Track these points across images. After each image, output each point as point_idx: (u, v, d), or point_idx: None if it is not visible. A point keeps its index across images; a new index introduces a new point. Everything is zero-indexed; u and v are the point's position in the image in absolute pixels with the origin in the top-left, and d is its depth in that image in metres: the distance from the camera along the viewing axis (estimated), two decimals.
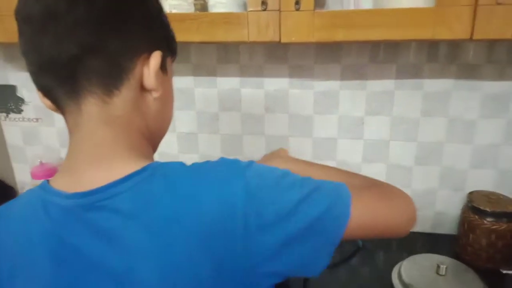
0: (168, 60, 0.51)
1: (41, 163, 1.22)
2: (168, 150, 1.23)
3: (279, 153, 0.76)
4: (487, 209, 0.93)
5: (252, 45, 1.08)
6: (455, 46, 0.99)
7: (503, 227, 0.92)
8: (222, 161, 0.45)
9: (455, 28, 0.73)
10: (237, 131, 1.18)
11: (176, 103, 1.05)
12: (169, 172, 0.43)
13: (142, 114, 0.47)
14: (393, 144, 1.10)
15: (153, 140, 0.51)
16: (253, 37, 0.81)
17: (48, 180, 0.47)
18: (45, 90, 0.45)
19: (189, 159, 1.04)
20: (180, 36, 0.56)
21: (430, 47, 1.00)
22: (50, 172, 1.22)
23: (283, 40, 0.79)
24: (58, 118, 1.25)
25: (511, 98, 0.99)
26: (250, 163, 0.45)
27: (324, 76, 1.07)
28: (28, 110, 1.28)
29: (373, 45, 1.02)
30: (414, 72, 1.02)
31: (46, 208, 0.43)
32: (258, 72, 1.11)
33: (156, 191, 0.41)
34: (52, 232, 0.42)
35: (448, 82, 1.01)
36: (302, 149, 1.16)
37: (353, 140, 1.12)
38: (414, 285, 0.85)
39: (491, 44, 0.97)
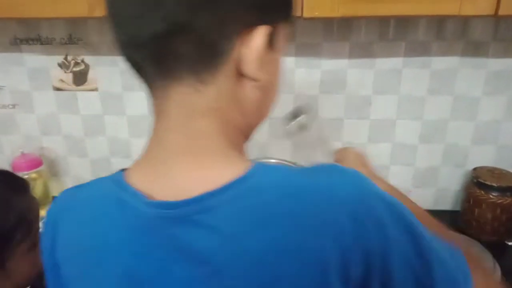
0: (279, 32, 0.39)
1: (23, 154, 1.11)
2: None
3: (362, 160, 0.65)
4: (494, 184, 0.96)
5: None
6: (462, 23, 0.98)
7: (507, 201, 0.96)
8: (347, 175, 0.35)
9: (480, 4, 0.72)
10: None
11: None
12: (282, 181, 0.34)
13: (239, 104, 0.38)
14: (399, 123, 1.09)
15: (247, 132, 0.42)
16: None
17: (122, 172, 0.39)
18: (131, 64, 0.38)
19: None
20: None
21: (439, 24, 0.99)
22: (34, 163, 1.11)
23: (306, 14, 0.75)
24: (38, 103, 1.14)
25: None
26: (378, 191, 0.35)
27: (332, 54, 1.04)
28: (4, 96, 1.15)
29: (382, 22, 1.00)
30: (422, 50, 1.01)
31: (124, 210, 0.36)
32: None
33: (267, 208, 0.32)
34: (129, 243, 0.35)
35: (454, 60, 1.02)
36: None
37: (360, 120, 1.10)
38: None
39: (497, 21, 0.97)
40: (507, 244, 0.93)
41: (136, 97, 1.12)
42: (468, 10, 0.72)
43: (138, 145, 1.16)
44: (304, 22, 1.01)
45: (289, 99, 1.10)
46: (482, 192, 0.98)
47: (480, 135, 1.08)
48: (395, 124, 1.10)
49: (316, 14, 0.75)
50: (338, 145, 1.12)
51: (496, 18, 0.96)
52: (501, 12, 0.70)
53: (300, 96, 1.09)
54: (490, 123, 1.07)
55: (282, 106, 1.03)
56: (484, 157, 1.10)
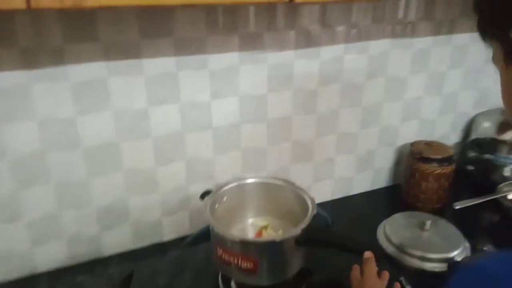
0: None
1: None
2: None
3: None
4: (436, 156, 1.03)
5: (191, 12, 0.80)
6: (395, 5, 0.99)
7: (448, 170, 1.04)
8: None
9: None
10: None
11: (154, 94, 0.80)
12: None
13: None
14: (341, 112, 1.06)
15: None
16: None
17: None
18: None
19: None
20: None
21: (375, 7, 0.97)
22: None
23: None
24: None
25: (431, 53, 1.09)
26: None
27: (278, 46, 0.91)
28: None
29: (323, 8, 0.91)
30: (358, 35, 0.98)
31: None
32: (200, 47, 0.84)
33: None
34: None
35: (386, 42, 1.02)
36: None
37: (306, 116, 1.01)
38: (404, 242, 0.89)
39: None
40: (454, 208, 1.02)
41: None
42: None
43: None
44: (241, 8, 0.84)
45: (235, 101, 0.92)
46: (426, 166, 1.04)
47: (406, 112, 1.15)
48: (338, 114, 1.05)
49: None
50: (287, 145, 1.02)
51: None
52: None
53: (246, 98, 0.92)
54: (414, 100, 1.14)
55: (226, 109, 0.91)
56: (409, 132, 1.18)
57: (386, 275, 0.65)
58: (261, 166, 1.01)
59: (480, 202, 1.01)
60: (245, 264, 0.64)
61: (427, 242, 0.89)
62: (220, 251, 0.66)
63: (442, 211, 1.07)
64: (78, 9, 0.51)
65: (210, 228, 0.69)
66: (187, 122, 0.89)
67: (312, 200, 0.71)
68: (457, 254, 0.85)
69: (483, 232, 1.01)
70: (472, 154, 1.19)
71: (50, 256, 0.87)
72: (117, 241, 0.93)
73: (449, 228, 0.95)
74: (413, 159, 1.07)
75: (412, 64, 1.08)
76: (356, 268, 0.67)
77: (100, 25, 0.74)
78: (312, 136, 1.04)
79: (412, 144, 1.10)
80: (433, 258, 0.84)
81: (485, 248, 0.92)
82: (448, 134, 1.26)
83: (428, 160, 1.04)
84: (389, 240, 0.91)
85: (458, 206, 1.02)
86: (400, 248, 0.88)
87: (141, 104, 0.84)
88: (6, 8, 0.47)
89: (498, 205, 1.04)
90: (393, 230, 0.93)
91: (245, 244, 0.63)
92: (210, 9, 0.81)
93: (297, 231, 0.63)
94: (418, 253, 0.85)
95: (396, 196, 1.16)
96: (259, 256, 0.63)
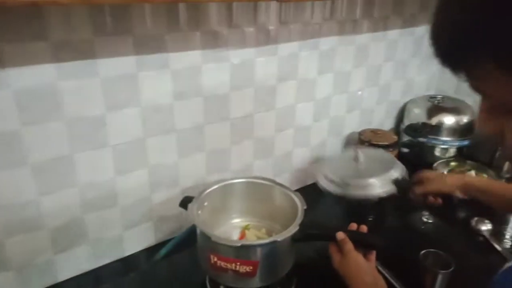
0: None
1: None
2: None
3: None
4: (385, 143, 1.12)
5: (151, 7, 0.74)
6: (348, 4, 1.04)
7: (394, 154, 1.14)
8: None
9: None
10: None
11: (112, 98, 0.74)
12: None
13: None
14: (299, 107, 1.08)
15: None
16: None
17: None
18: None
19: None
20: None
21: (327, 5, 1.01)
22: None
23: None
24: None
25: (370, 48, 1.18)
26: None
27: (239, 43, 0.89)
28: None
29: (282, 5, 0.92)
30: (314, 32, 1.02)
31: None
32: (161, 45, 0.78)
33: None
34: None
35: (334, 39, 1.07)
36: None
37: (267, 112, 1.02)
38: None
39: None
40: None
41: None
42: None
43: None
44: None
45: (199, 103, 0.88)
46: None
47: (350, 104, 1.22)
48: (295, 109, 1.08)
49: None
50: (250, 143, 1.01)
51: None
52: None
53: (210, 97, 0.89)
54: (355, 92, 1.22)
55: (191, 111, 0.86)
56: (352, 122, 1.26)
57: (372, 255, 0.69)
58: (225, 167, 0.99)
59: None
60: (244, 268, 0.62)
61: (365, 171, 0.91)
62: (214, 259, 0.63)
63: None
64: (53, 4, 0.43)
65: (200, 236, 0.65)
66: (148, 126, 0.82)
67: (298, 194, 0.71)
68: (395, 173, 0.88)
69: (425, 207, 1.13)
70: (406, 138, 1.32)
71: None
72: (74, 263, 0.83)
73: (380, 153, 1.02)
74: (363, 146, 1.15)
75: (355, 59, 1.15)
76: (333, 244, 0.70)
77: (47, 21, 0.64)
78: (272, 131, 1.05)
79: (360, 133, 1.18)
80: (375, 183, 0.86)
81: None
82: (383, 121, 1.37)
83: (376, 146, 1.12)
84: (331, 181, 0.91)
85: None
86: (343, 184, 0.88)
87: (97, 110, 0.75)
88: None
89: None
90: (331, 170, 0.93)
91: (246, 249, 0.62)
92: (171, 5, 0.76)
93: (295, 227, 0.63)
94: (361, 182, 0.86)
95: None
96: (259, 258, 0.62)
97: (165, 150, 0.87)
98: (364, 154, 0.95)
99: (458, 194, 0.84)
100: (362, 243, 0.68)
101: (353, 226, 0.72)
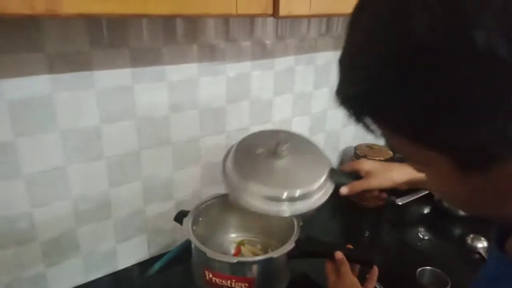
0: None
1: None
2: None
3: None
4: (381, 158, 1.12)
5: (148, 20, 0.74)
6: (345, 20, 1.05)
7: None
8: None
9: None
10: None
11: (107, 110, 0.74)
12: None
13: None
14: (294, 120, 1.09)
15: None
16: (242, 9, 0.56)
17: None
18: None
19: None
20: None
21: (325, 22, 1.02)
22: None
23: (282, 13, 0.59)
24: None
25: None
26: None
27: (236, 57, 0.89)
28: None
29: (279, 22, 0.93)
30: (310, 47, 1.03)
31: None
32: (157, 58, 0.78)
33: None
34: None
35: (329, 55, 1.08)
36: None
37: (263, 125, 1.02)
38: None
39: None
40: (398, 204, 1.12)
41: None
42: None
43: None
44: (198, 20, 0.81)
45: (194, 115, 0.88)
46: None
47: (346, 118, 1.22)
48: (292, 123, 1.08)
49: (292, 11, 0.61)
50: None
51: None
52: None
53: (205, 110, 0.89)
54: None
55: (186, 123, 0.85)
56: (348, 136, 1.27)
57: (372, 282, 0.68)
58: (220, 180, 0.98)
59: (418, 197, 1.12)
60: (240, 285, 0.61)
61: (293, 174, 0.67)
62: (209, 275, 0.62)
63: (386, 207, 1.17)
64: (52, 17, 0.43)
65: (195, 251, 0.64)
66: (143, 138, 0.82)
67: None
68: (317, 188, 0.66)
69: (422, 223, 1.13)
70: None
71: None
72: (66, 276, 0.81)
73: (311, 150, 0.76)
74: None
75: None
76: (329, 262, 0.68)
77: (44, 33, 0.65)
78: None
79: (356, 148, 1.18)
80: (279, 196, 0.63)
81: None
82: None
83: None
84: (228, 174, 0.69)
85: (400, 202, 1.12)
86: (240, 186, 0.65)
87: (92, 122, 0.75)
88: None
89: (431, 197, 1.18)
90: (238, 159, 0.69)
91: (241, 265, 0.61)
92: (168, 19, 0.76)
93: (291, 244, 0.63)
94: (264, 190, 0.63)
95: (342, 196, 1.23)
96: (255, 275, 0.61)
97: (160, 163, 0.87)
98: (292, 147, 0.71)
99: (402, 187, 0.77)
100: (356, 261, 0.67)
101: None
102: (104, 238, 0.85)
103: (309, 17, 0.62)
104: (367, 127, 0.33)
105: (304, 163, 0.69)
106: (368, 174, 0.73)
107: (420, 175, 0.76)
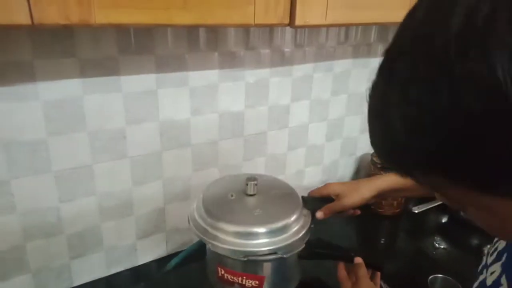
0: None
1: None
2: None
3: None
4: None
5: (173, 30, 0.79)
6: (363, 29, 1.07)
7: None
8: None
9: None
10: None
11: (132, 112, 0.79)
12: None
13: None
14: (311, 126, 1.11)
15: None
16: (260, 19, 0.59)
17: None
18: None
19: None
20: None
21: (341, 31, 1.04)
22: None
23: (298, 22, 0.62)
24: None
25: None
26: None
27: (255, 64, 0.93)
28: None
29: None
30: (328, 54, 1.05)
31: None
32: (181, 65, 0.82)
33: None
34: None
35: (348, 62, 1.10)
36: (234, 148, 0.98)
37: (280, 130, 1.05)
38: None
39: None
40: (414, 212, 1.12)
41: None
42: None
43: None
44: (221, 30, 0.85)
45: (214, 118, 0.92)
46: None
47: (364, 125, 1.24)
48: (308, 128, 1.10)
49: (307, 21, 0.63)
50: (262, 160, 1.04)
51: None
52: None
53: (224, 113, 0.93)
54: None
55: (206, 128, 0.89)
56: (366, 144, 1.27)
57: (377, 278, 0.69)
58: None
59: (434, 206, 1.12)
60: (250, 283, 0.63)
61: (246, 211, 0.67)
62: (221, 271, 0.65)
63: (402, 215, 1.17)
64: (85, 26, 0.48)
65: (209, 249, 0.67)
66: (165, 140, 0.86)
67: (308, 212, 0.73)
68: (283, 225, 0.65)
69: (438, 231, 1.12)
70: None
71: None
72: (89, 269, 0.86)
73: (284, 191, 0.76)
74: (375, 168, 1.16)
75: (369, 81, 1.17)
76: (342, 268, 0.69)
77: (77, 40, 0.70)
78: (284, 149, 1.07)
79: (372, 154, 1.19)
80: (251, 232, 0.62)
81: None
82: None
83: (388, 169, 1.12)
84: (200, 215, 0.68)
85: (416, 210, 1.12)
86: (212, 224, 0.64)
87: (118, 124, 0.79)
88: (8, 23, 0.43)
89: (448, 206, 1.17)
90: (210, 197, 0.71)
91: (252, 263, 0.63)
92: (191, 28, 0.80)
93: (301, 245, 0.65)
94: (230, 227, 0.62)
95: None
96: (265, 273, 0.64)
97: (180, 164, 0.90)
98: (263, 185, 0.75)
99: (371, 201, 0.80)
100: (367, 265, 0.69)
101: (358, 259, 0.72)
102: (125, 234, 0.89)
103: (325, 26, 0.64)
104: (416, 179, 0.31)
105: (276, 198, 0.73)
106: (338, 196, 0.76)
107: (385, 183, 0.77)
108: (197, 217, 0.68)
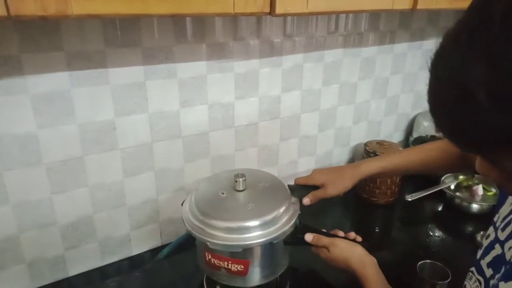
0: None
1: None
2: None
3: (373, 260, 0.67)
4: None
5: (159, 21, 0.79)
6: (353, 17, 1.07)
7: None
8: None
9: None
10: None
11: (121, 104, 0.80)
12: None
13: None
14: (303, 116, 1.11)
15: None
16: (240, 8, 0.59)
17: None
18: None
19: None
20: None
21: (330, 20, 1.04)
22: None
23: (278, 11, 0.63)
24: None
25: (377, 60, 1.20)
26: None
27: (244, 54, 0.93)
28: None
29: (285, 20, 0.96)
30: (319, 44, 1.05)
31: None
32: (168, 56, 0.83)
33: None
34: None
35: (339, 52, 1.10)
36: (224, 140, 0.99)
37: (272, 121, 1.05)
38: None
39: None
40: (407, 200, 1.12)
41: None
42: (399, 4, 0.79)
43: None
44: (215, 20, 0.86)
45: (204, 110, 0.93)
46: None
47: (357, 115, 1.24)
48: (300, 119, 1.11)
49: (289, 9, 0.64)
50: (253, 150, 1.05)
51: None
52: (419, 6, 0.80)
53: (213, 104, 0.93)
54: (363, 104, 1.23)
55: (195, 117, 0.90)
56: (359, 133, 1.28)
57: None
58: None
59: (428, 194, 1.12)
60: (236, 267, 0.65)
61: (239, 207, 0.68)
62: (208, 256, 0.66)
63: (396, 203, 1.18)
64: (62, 18, 0.49)
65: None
66: (155, 132, 0.87)
67: (296, 200, 0.74)
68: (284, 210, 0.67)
69: (432, 219, 1.12)
70: None
71: (10, 282, 0.79)
72: (84, 259, 0.88)
73: (272, 182, 0.77)
74: (368, 157, 1.16)
75: (361, 71, 1.17)
76: (321, 251, 0.70)
77: (63, 33, 0.71)
78: (277, 140, 1.08)
79: (366, 144, 1.19)
80: (246, 226, 0.64)
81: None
82: (392, 133, 1.38)
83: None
84: (193, 213, 0.69)
85: (409, 198, 1.12)
86: (206, 222, 0.66)
87: (107, 116, 0.81)
88: None
89: (442, 194, 1.17)
90: (201, 197, 0.71)
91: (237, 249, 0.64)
92: (177, 19, 0.81)
93: (289, 228, 0.66)
94: (225, 224, 0.64)
95: (352, 192, 1.24)
96: (250, 258, 0.65)
97: (171, 155, 0.92)
98: (251, 181, 0.76)
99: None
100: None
101: (340, 233, 0.73)
102: (119, 225, 0.91)
103: (306, 14, 0.64)
104: (494, 158, 0.31)
105: (265, 190, 0.74)
106: (323, 185, 0.79)
107: (364, 171, 0.77)
108: (191, 217, 0.69)
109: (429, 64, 0.31)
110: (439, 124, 0.32)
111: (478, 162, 0.37)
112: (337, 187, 0.79)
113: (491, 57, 0.26)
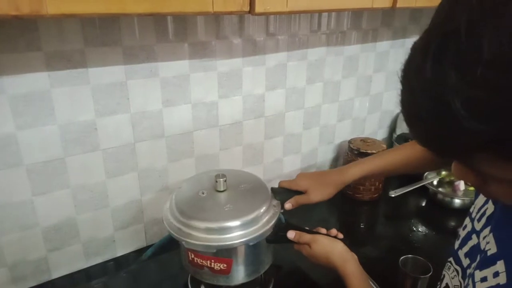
0: None
1: None
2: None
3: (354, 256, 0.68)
4: (374, 151, 1.14)
5: (139, 20, 0.79)
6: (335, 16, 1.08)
7: None
8: None
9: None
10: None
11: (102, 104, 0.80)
12: None
13: None
14: (287, 115, 1.12)
15: None
16: (219, 7, 0.59)
17: None
18: None
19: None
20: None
21: (313, 19, 1.05)
22: None
23: (258, 10, 0.63)
24: None
25: (360, 58, 1.21)
26: None
27: (227, 53, 0.93)
28: None
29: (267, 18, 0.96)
30: (302, 43, 1.05)
31: None
32: (150, 56, 0.83)
33: None
34: None
35: (322, 50, 1.11)
36: (209, 139, 0.99)
37: (256, 120, 1.05)
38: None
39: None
40: (391, 196, 1.13)
41: None
42: (379, 2, 0.79)
43: None
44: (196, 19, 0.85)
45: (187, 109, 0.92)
46: None
47: (341, 113, 1.25)
48: (285, 117, 1.11)
49: (268, 8, 0.64)
50: (239, 149, 1.05)
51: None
52: (399, 5, 0.81)
53: (197, 103, 0.93)
54: (347, 101, 1.24)
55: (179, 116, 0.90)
56: (344, 131, 1.29)
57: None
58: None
59: (411, 190, 1.14)
60: (218, 266, 0.65)
61: (217, 207, 0.68)
62: (191, 255, 0.66)
63: (380, 199, 1.19)
64: (37, 17, 0.48)
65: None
66: (138, 132, 0.87)
67: (277, 202, 0.74)
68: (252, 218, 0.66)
69: (415, 215, 1.14)
70: None
71: None
72: (67, 261, 0.87)
73: (254, 184, 0.76)
74: (352, 154, 1.18)
75: (344, 69, 1.18)
76: (303, 247, 0.71)
77: (41, 33, 0.70)
78: (261, 138, 1.08)
79: (350, 141, 1.20)
80: (223, 227, 0.64)
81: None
82: (376, 131, 1.39)
83: (365, 154, 1.14)
84: (172, 213, 0.70)
85: (393, 194, 1.13)
86: (183, 221, 0.66)
87: (88, 116, 0.80)
88: None
89: (425, 190, 1.19)
90: (181, 197, 0.72)
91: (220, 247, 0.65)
92: (158, 17, 0.81)
93: (268, 229, 0.66)
94: (202, 224, 0.64)
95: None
96: (233, 257, 0.65)
97: (154, 155, 0.91)
98: (232, 181, 0.76)
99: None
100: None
101: (322, 230, 0.74)
102: (102, 226, 0.90)
103: (286, 13, 0.64)
104: (470, 163, 0.32)
105: (245, 191, 0.74)
106: (307, 191, 0.79)
107: (348, 177, 0.80)
108: (170, 216, 0.69)
109: (400, 76, 0.32)
110: (414, 133, 0.32)
111: (454, 167, 0.38)
112: (321, 193, 0.79)
113: (460, 67, 0.26)
